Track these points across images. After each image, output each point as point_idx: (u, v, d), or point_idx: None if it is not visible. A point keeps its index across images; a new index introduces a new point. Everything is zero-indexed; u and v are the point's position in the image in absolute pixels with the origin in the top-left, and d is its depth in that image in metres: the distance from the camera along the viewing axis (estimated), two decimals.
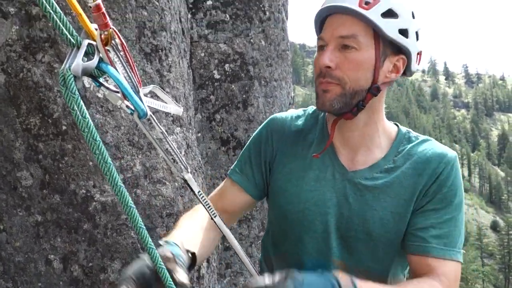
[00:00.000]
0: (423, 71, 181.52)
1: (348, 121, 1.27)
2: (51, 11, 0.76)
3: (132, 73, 0.86)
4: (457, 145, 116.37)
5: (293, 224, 1.30)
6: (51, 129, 2.12)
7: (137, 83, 0.86)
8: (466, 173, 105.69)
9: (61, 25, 0.77)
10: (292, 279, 0.94)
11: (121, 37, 0.84)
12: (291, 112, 1.47)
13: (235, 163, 1.50)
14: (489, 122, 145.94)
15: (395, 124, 1.42)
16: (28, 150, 2.11)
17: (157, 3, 2.44)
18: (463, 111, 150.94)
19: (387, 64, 1.24)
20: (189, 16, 3.25)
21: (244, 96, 3.42)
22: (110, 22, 0.81)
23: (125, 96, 0.85)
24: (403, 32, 1.21)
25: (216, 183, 3.35)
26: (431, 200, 1.22)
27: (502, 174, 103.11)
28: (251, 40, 3.47)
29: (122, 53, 0.85)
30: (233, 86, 3.39)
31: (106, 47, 0.81)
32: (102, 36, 0.80)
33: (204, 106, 3.27)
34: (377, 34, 1.19)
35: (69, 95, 0.74)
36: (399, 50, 1.23)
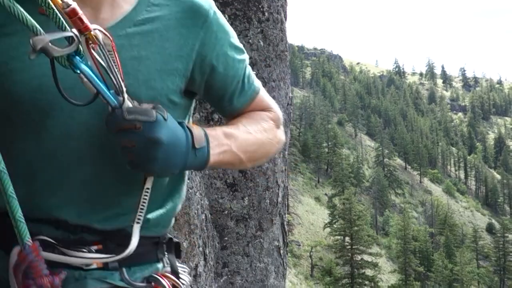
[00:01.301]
0: (421, 74, 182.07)
1: None
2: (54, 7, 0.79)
3: (115, 71, 0.87)
4: (454, 148, 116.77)
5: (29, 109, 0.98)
6: None
7: (120, 81, 0.88)
8: (462, 176, 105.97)
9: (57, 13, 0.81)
10: (159, 110, 0.91)
11: (109, 36, 0.85)
12: None
13: None
14: (486, 126, 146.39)
15: None
16: None
17: None
18: (460, 114, 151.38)
19: None
20: None
21: None
22: (89, 25, 0.82)
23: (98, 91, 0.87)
24: None
25: (214, 183, 3.36)
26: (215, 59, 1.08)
27: (498, 177, 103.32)
28: (250, 41, 3.48)
29: (110, 53, 0.86)
30: None
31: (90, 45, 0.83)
32: (84, 37, 0.82)
33: (202, 105, 3.28)
34: None
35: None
36: None
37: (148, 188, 0.99)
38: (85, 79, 0.86)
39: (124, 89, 0.89)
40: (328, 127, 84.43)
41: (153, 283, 1.02)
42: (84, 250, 0.96)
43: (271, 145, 1.17)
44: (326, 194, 67.03)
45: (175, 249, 1.14)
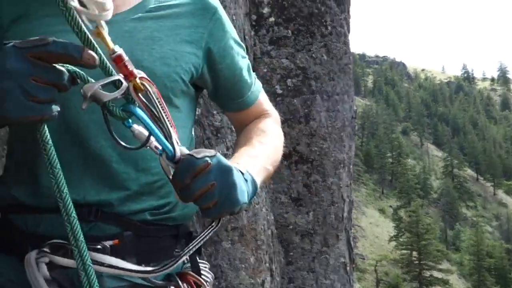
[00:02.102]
0: (492, 79, 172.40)
1: None
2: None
3: (164, 117, 0.83)
4: None
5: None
6: None
7: (170, 127, 0.83)
8: None
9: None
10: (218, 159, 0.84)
11: (152, 84, 0.82)
12: None
13: None
14: None
15: None
16: None
17: None
18: None
19: None
20: (252, 33, 3.33)
21: (306, 110, 3.43)
22: (135, 71, 0.80)
23: (152, 136, 0.83)
24: None
25: (279, 197, 3.37)
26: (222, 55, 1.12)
27: None
28: (313, 55, 3.49)
29: (156, 100, 0.82)
30: (295, 100, 3.42)
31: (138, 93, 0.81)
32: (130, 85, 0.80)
33: None
34: None
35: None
36: None
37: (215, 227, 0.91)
38: (136, 131, 0.83)
39: (175, 137, 0.83)
40: (392, 137, 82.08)
41: (173, 282, 0.98)
42: (99, 247, 0.92)
43: (281, 144, 1.22)
44: (391, 206, 64.94)
45: None
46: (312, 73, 3.48)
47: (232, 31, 1.16)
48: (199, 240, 0.90)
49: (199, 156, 0.81)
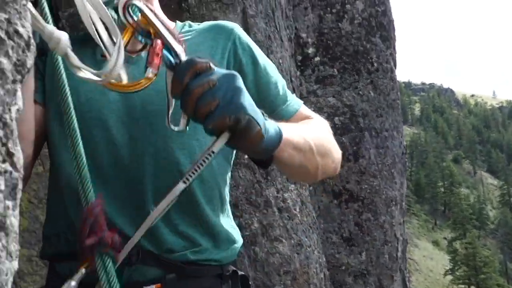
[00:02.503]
0: None
1: None
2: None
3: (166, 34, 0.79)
4: None
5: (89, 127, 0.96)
6: None
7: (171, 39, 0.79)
8: None
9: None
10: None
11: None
12: None
13: None
14: None
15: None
16: None
17: None
18: None
19: None
20: (298, 73, 3.38)
21: (354, 148, 3.41)
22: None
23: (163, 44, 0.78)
24: None
25: (330, 237, 3.32)
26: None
27: None
28: (360, 92, 3.49)
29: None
30: (343, 138, 3.41)
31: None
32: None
33: None
34: None
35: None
36: None
37: (213, 152, 0.77)
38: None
39: (180, 48, 0.78)
40: (443, 165, 79.28)
41: None
42: None
43: (332, 139, 1.09)
44: (445, 238, 62.10)
45: (243, 285, 1.02)
46: (359, 110, 3.47)
47: (253, 49, 1.11)
48: (195, 166, 0.77)
49: (201, 59, 0.74)
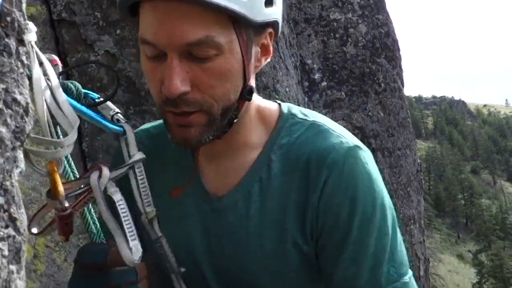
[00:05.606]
0: None
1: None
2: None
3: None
4: None
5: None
6: None
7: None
8: None
9: None
10: None
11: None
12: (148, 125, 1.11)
13: None
14: None
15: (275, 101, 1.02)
16: None
17: (277, 96, 2.60)
18: None
19: (255, 51, 0.85)
20: (306, 99, 3.39)
21: None
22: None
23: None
24: (269, 2, 0.83)
25: None
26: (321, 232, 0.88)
27: None
28: (369, 113, 3.48)
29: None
30: None
31: None
32: None
33: None
34: (236, 19, 0.78)
35: None
36: (266, 24, 0.84)
37: None
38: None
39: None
40: (461, 177, 78.09)
41: None
42: None
43: None
44: (469, 251, 60.69)
45: None
46: (370, 131, 3.45)
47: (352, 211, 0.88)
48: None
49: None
